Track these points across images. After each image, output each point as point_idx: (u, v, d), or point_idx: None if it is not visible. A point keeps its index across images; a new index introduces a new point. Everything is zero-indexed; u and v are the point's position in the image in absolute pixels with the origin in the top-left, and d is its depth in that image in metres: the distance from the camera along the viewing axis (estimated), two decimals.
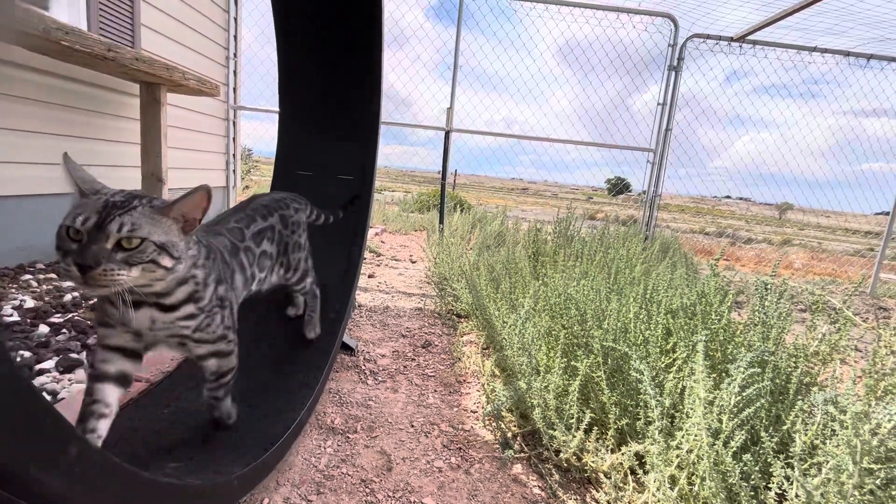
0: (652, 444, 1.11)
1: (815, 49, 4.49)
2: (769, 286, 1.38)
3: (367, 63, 1.87)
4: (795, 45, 4.49)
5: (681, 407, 1.19)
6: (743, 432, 1.01)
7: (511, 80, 4.87)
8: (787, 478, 0.98)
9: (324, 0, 1.81)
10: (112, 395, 0.89)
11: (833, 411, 0.96)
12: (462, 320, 2.55)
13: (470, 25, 4.47)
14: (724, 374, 1.24)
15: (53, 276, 2.32)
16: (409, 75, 4.93)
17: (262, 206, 1.33)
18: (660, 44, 4.46)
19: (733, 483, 0.97)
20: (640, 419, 1.23)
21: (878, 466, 0.87)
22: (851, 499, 0.88)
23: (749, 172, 5.55)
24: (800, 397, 1.17)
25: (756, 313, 1.37)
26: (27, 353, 1.49)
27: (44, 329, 1.69)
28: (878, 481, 0.87)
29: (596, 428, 1.31)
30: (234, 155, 4.67)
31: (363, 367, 1.86)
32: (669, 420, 1.18)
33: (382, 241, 5.23)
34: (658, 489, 1.07)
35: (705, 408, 1.03)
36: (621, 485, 1.18)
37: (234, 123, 4.58)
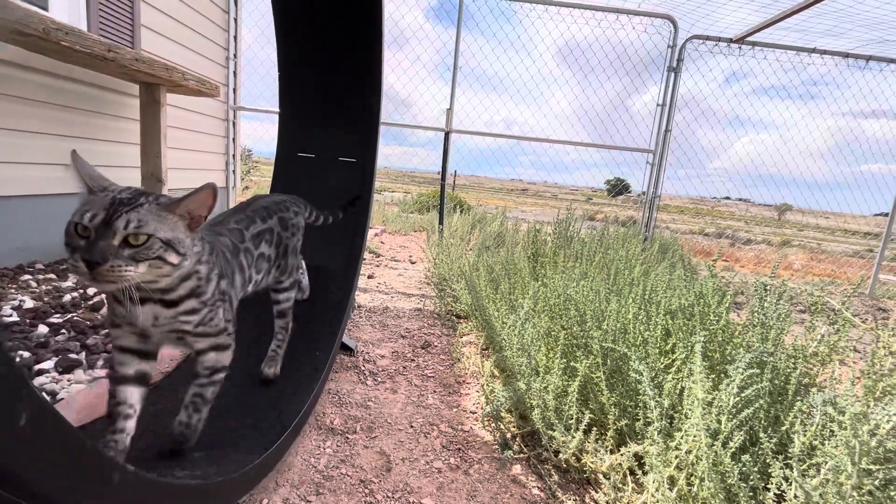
0: (651, 445, 1.11)
1: (814, 50, 4.50)
2: (768, 287, 1.38)
3: (368, 63, 1.88)
4: (795, 46, 4.49)
5: (680, 408, 1.19)
6: (742, 433, 1.01)
7: (511, 81, 4.87)
8: (786, 478, 0.99)
9: (324, 0, 1.81)
10: (134, 396, 0.93)
11: (832, 412, 0.96)
12: (461, 321, 2.55)
13: (470, 26, 4.48)
14: (723, 375, 1.25)
15: (53, 276, 2.32)
16: (408, 76, 4.93)
17: (262, 207, 1.33)
18: (659, 45, 4.47)
19: (732, 484, 0.97)
20: (639, 420, 1.23)
21: (877, 467, 0.87)
22: (850, 499, 0.88)
23: (748, 173, 5.55)
24: (798, 398, 1.17)
25: (755, 314, 1.37)
26: (26, 354, 1.49)
27: (43, 329, 1.68)
28: (876, 482, 0.87)
29: (595, 429, 1.31)
30: (233, 155, 4.67)
31: (362, 368, 1.86)
32: (668, 421, 1.18)
33: (382, 242, 5.23)
34: (657, 490, 1.07)
35: (704, 409, 1.03)
36: (620, 485, 1.18)
37: (233, 124, 4.58)
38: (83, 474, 0.56)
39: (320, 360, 1.53)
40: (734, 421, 1.02)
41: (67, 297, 2.03)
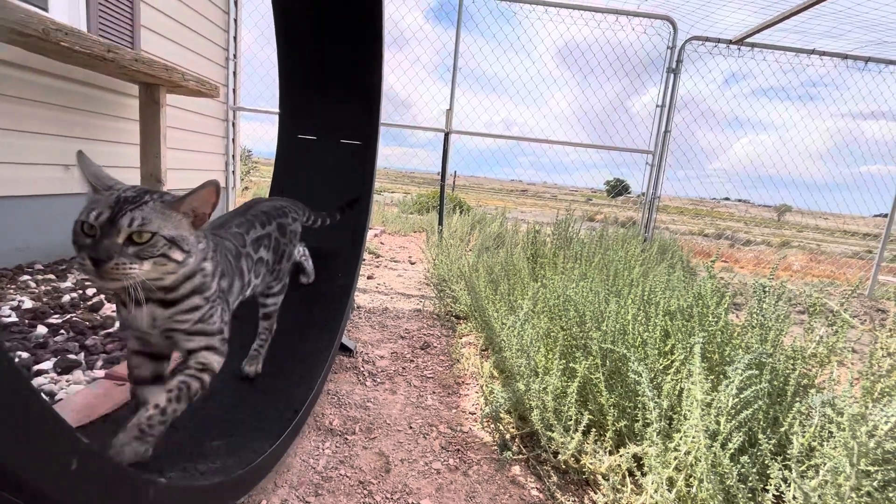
0: (650, 446, 1.11)
1: (813, 52, 4.51)
2: (767, 288, 1.38)
3: (368, 63, 1.88)
4: (794, 47, 4.50)
5: (679, 409, 1.19)
6: (741, 434, 1.01)
7: (510, 81, 4.87)
8: (785, 479, 0.99)
9: (324, 0, 1.82)
10: (154, 395, 0.93)
11: (830, 413, 0.96)
12: (461, 322, 2.55)
13: (469, 27, 4.50)
14: (722, 376, 1.25)
15: (52, 276, 2.32)
16: (408, 77, 4.94)
17: (262, 212, 1.32)
18: (659, 46, 4.47)
19: (731, 485, 0.97)
20: (638, 421, 1.23)
21: (876, 468, 0.87)
22: (849, 501, 0.88)
23: (748, 174, 5.55)
24: (797, 399, 1.17)
25: (754, 315, 1.37)
26: (25, 354, 1.49)
27: (42, 330, 1.68)
28: (875, 483, 0.87)
29: (594, 430, 1.31)
30: (233, 156, 4.67)
31: (362, 369, 1.86)
32: (667, 422, 1.18)
33: (382, 243, 5.23)
34: (656, 491, 1.07)
35: (703, 410, 1.03)
36: (619, 486, 1.18)
37: (233, 124, 4.58)
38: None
39: (319, 360, 1.53)
40: (733, 422, 1.02)
41: (66, 298, 2.03)
